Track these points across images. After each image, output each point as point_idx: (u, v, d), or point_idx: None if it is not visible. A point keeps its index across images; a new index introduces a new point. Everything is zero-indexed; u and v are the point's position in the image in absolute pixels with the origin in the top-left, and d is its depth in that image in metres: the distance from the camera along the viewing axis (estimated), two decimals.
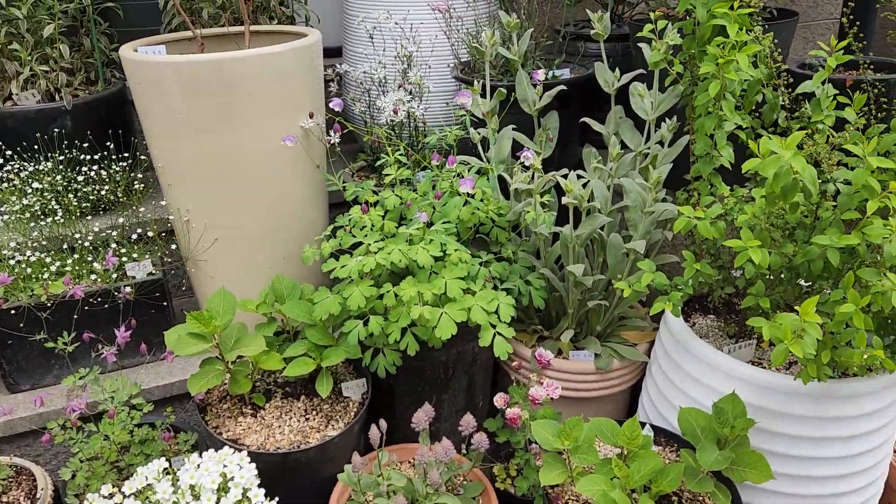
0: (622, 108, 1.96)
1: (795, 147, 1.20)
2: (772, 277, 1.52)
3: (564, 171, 1.98)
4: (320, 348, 1.72)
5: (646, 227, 1.78)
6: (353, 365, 1.90)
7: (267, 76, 1.75)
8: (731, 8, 1.45)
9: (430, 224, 1.79)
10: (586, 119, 1.97)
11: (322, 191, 2.02)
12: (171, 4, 2.07)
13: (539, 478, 1.50)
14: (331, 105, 1.78)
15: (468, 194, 1.82)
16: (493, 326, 1.68)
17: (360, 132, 1.96)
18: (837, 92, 1.56)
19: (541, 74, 1.79)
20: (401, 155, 1.82)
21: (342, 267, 1.69)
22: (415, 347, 1.66)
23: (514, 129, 1.98)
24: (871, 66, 1.81)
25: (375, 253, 1.67)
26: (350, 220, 1.79)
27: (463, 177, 1.73)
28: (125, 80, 2.33)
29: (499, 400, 1.74)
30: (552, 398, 1.69)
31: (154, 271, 1.89)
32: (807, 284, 1.50)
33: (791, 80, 1.64)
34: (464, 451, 1.68)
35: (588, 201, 1.80)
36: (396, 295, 1.64)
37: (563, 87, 1.94)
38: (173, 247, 1.99)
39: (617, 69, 1.90)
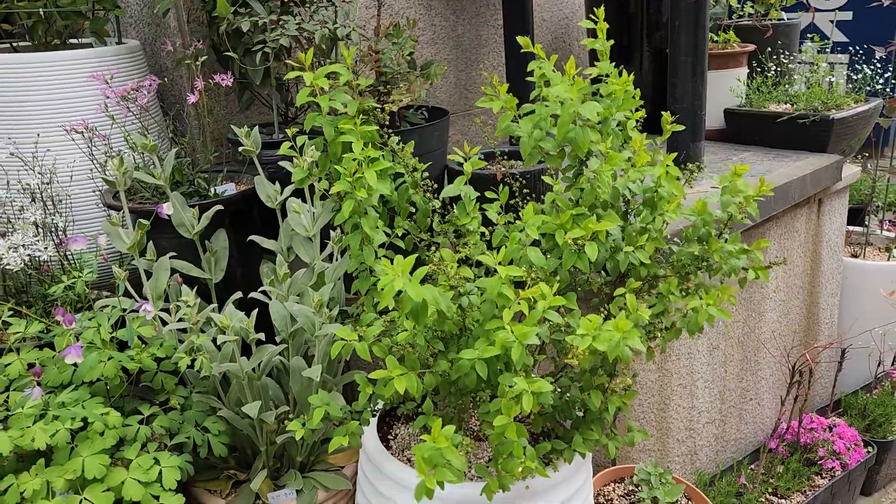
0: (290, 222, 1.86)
1: (413, 269, 1.16)
2: (439, 391, 1.47)
3: (237, 295, 1.83)
4: None
5: (323, 350, 1.66)
6: None
7: None
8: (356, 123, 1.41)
9: (68, 385, 1.51)
10: (254, 237, 1.84)
11: None
12: None
13: None
14: None
15: (119, 343, 1.57)
16: (157, 498, 1.44)
17: None
18: (478, 194, 1.58)
19: (167, 207, 1.63)
20: (10, 316, 1.53)
21: None
22: None
23: (175, 256, 1.78)
24: (507, 156, 1.89)
25: None
26: None
27: (102, 328, 1.48)
28: None
29: None
30: None
31: None
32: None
33: (446, 180, 1.64)
34: None
35: (265, 327, 1.65)
36: (20, 489, 1.34)
37: (220, 206, 1.79)
38: None
39: (277, 182, 1.80)
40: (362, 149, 1.37)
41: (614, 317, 1.46)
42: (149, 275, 1.74)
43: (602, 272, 1.62)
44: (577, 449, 1.55)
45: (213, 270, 1.86)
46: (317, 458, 1.89)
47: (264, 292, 1.79)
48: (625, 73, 1.43)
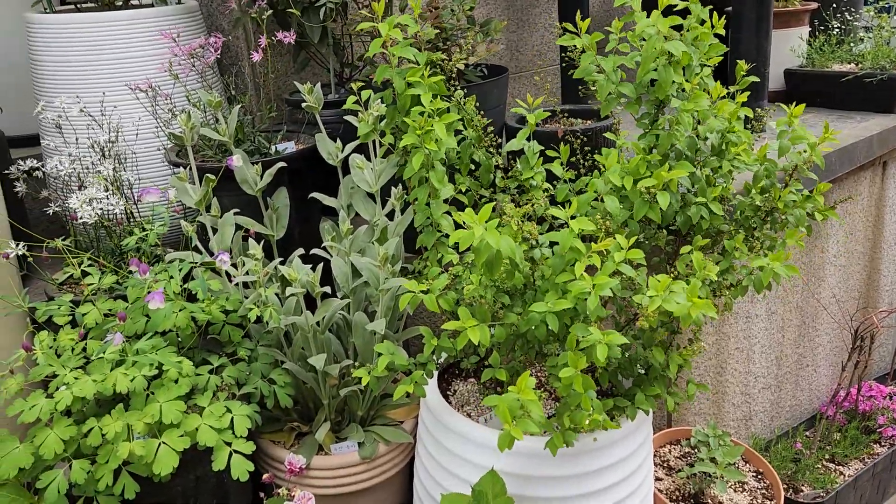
0: (353, 178, 1.87)
1: (487, 220, 1.16)
2: (507, 345, 1.47)
3: (299, 251, 1.85)
4: None
5: (386, 304, 1.68)
6: None
7: None
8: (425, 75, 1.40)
9: (142, 335, 1.55)
10: (315, 194, 1.85)
11: (3, 315, 1.69)
12: None
13: None
14: None
15: (188, 295, 1.61)
16: (229, 444, 1.48)
17: (35, 244, 1.67)
18: (542, 148, 1.57)
19: (237, 160, 1.64)
20: (89, 266, 1.57)
21: (31, 407, 1.40)
22: (133, 489, 1.41)
23: (238, 212, 1.81)
24: (568, 115, 1.87)
25: (74, 384, 1.40)
26: (41, 345, 1.50)
27: (175, 280, 1.52)
28: None
29: None
30: None
31: None
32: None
33: (504, 138, 1.63)
34: None
35: (327, 282, 1.67)
36: (102, 432, 1.39)
37: (283, 163, 1.81)
38: None
39: (339, 140, 1.81)
40: (431, 101, 1.36)
41: (682, 276, 1.45)
42: (214, 230, 1.77)
43: (663, 230, 1.61)
44: (639, 405, 1.55)
45: (275, 227, 1.88)
46: (377, 412, 1.91)
47: (325, 249, 1.82)
48: (715, 15, 1.39)
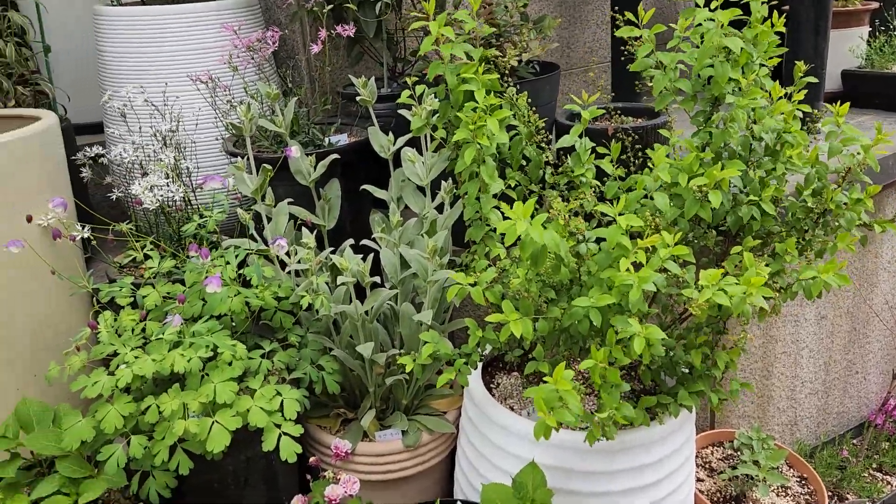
0: (404, 171, 1.90)
1: (533, 214, 1.17)
2: (551, 338, 1.49)
3: (350, 242, 1.89)
4: (76, 482, 1.48)
5: (433, 295, 1.71)
6: (127, 488, 1.66)
7: None
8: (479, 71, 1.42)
9: (200, 319, 1.61)
10: (367, 186, 1.89)
11: (70, 294, 1.77)
12: None
13: None
14: (51, 205, 1.57)
15: (244, 281, 1.66)
16: (278, 426, 1.53)
17: (101, 227, 1.74)
18: (594, 145, 1.58)
19: (296, 150, 1.69)
20: (150, 250, 1.64)
21: (94, 384, 1.47)
22: (188, 465, 1.47)
23: (292, 202, 1.86)
24: (621, 112, 1.87)
25: (133, 363, 1.47)
26: (103, 325, 1.57)
27: (231, 265, 1.57)
28: None
29: (296, 503, 1.59)
30: (351, 495, 1.55)
31: None
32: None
33: (555, 134, 1.65)
34: None
35: (376, 273, 1.70)
36: (159, 409, 1.45)
37: (337, 155, 1.85)
38: None
39: (391, 133, 1.84)
40: (484, 97, 1.38)
41: (732, 275, 1.45)
42: (268, 219, 1.83)
43: (712, 230, 1.60)
44: (682, 402, 1.55)
45: (327, 217, 1.93)
46: (421, 402, 1.95)
47: (374, 240, 1.85)
48: (775, 13, 1.39)
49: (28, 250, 1.55)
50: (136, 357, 1.48)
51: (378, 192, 1.89)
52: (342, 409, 1.91)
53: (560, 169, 1.61)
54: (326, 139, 1.99)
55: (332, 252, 1.89)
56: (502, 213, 1.45)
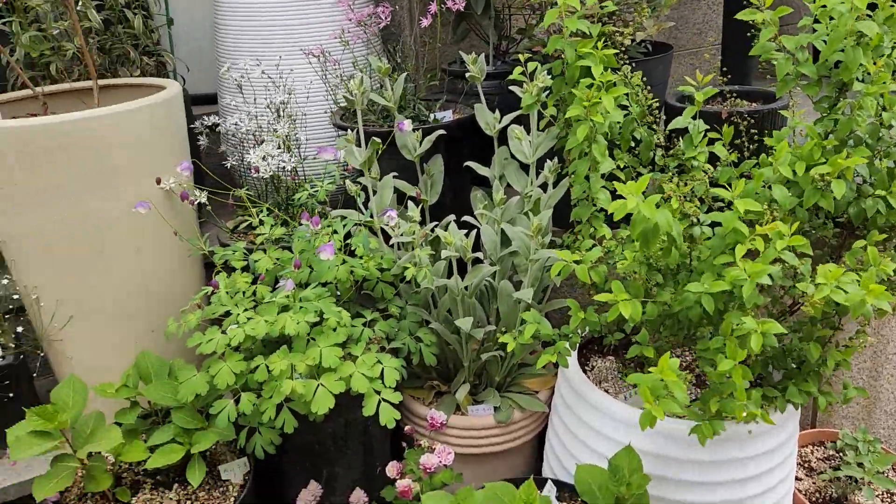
0: (507, 150, 1.90)
1: (643, 192, 1.15)
2: (656, 323, 1.46)
3: (452, 217, 1.91)
4: (189, 432, 1.56)
5: (534, 274, 1.71)
6: (234, 442, 1.75)
7: (115, 136, 1.60)
8: (597, 47, 1.40)
9: (306, 285, 1.66)
10: (470, 163, 1.90)
11: (188, 255, 1.87)
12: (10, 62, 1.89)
13: None
14: (179, 169, 1.65)
15: (349, 251, 1.71)
16: (378, 393, 1.57)
17: (219, 193, 1.82)
18: (707, 128, 1.53)
19: (408, 125, 1.71)
20: (266, 216, 1.70)
21: (209, 341, 1.55)
22: (292, 424, 1.53)
23: (396, 176, 1.89)
24: (736, 95, 1.80)
25: (245, 323, 1.54)
26: (224, 286, 1.65)
27: (339, 235, 1.62)
28: None
29: (391, 469, 1.63)
30: (445, 465, 1.58)
31: (2, 356, 1.70)
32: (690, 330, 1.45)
33: (664, 116, 1.61)
34: None
35: (474, 250, 1.72)
36: (268, 369, 1.51)
37: (443, 131, 1.86)
38: (20, 329, 1.80)
39: (497, 111, 1.84)
40: (601, 73, 1.36)
41: (852, 269, 1.38)
42: (373, 192, 1.86)
43: (830, 221, 1.53)
44: (791, 398, 1.50)
45: (429, 192, 1.95)
46: (513, 380, 1.96)
47: (475, 217, 1.86)
48: None
49: (153, 211, 1.64)
50: (248, 318, 1.55)
51: (481, 169, 1.90)
52: (436, 381, 1.94)
53: (671, 151, 1.58)
54: (431, 115, 2.00)
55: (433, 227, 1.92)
56: (612, 193, 1.43)
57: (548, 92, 1.60)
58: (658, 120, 1.58)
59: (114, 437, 1.46)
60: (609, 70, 1.41)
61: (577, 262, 1.41)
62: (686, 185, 1.51)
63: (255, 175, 1.77)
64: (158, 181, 1.63)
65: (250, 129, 1.86)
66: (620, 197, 1.23)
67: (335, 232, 1.69)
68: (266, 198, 1.97)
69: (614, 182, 1.25)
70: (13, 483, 1.72)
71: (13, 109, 1.80)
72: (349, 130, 1.78)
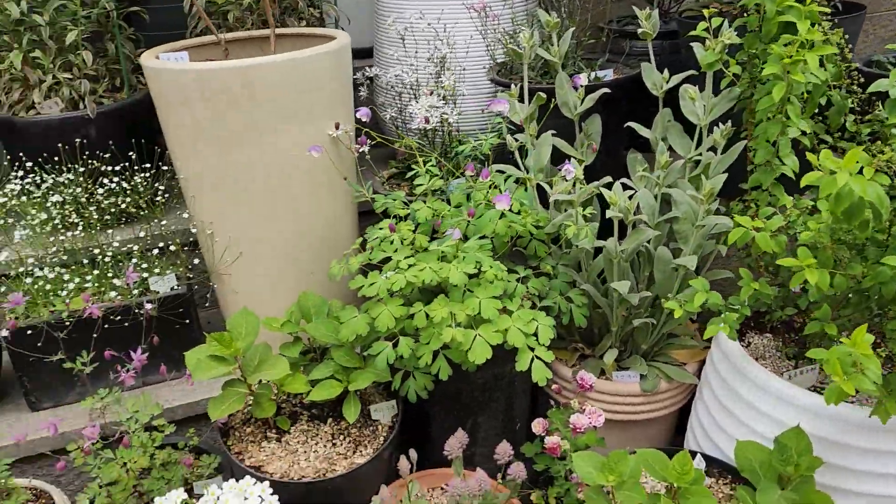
0: (670, 112, 1.83)
1: (855, 165, 1.07)
2: (838, 299, 1.38)
3: (608, 179, 1.86)
4: (347, 370, 1.62)
5: (697, 241, 1.64)
6: (382, 385, 1.80)
7: (292, 82, 1.66)
8: (800, 2, 1.31)
9: (465, 238, 1.68)
10: (632, 123, 1.84)
11: (351, 201, 1.92)
12: (196, 8, 1.99)
13: None
14: (358, 115, 1.68)
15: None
16: (532, 349, 1.57)
17: (388, 142, 1.86)
18: None
19: (583, 78, 1.67)
20: (432, 165, 1.71)
21: (370, 284, 1.59)
22: (447, 371, 1.56)
23: (553, 134, 1.86)
24: None
25: (406, 270, 1.57)
26: (380, 233, 1.69)
27: (499, 189, 1.61)
28: None
29: (537, 426, 1.63)
30: (595, 426, 1.57)
31: (178, 286, 1.82)
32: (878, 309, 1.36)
33: (861, 79, 1.49)
34: (499, 479, 1.58)
35: (634, 213, 1.67)
36: (427, 315, 1.54)
37: (607, 89, 1.81)
38: (197, 261, 1.92)
39: (665, 70, 1.77)
40: (808, 29, 1.27)
41: None
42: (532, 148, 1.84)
43: None
44: None
45: (586, 152, 1.91)
46: (660, 349, 1.91)
47: (630, 180, 1.81)
48: None
49: (323, 156, 1.69)
50: (408, 265, 1.58)
51: (643, 131, 1.84)
52: (579, 343, 1.92)
53: (867, 117, 1.46)
54: (592, 74, 1.95)
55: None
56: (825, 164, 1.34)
57: (728, 51, 1.52)
58: (860, 81, 1.47)
59: (282, 368, 1.53)
60: (814, 26, 1.31)
61: (756, 230, 1.34)
62: (883, 153, 1.40)
63: (417, 127, 1.79)
64: (337, 126, 1.67)
65: (412, 82, 1.87)
66: (819, 168, 1.15)
67: (495, 186, 1.68)
68: (423, 150, 1.99)
69: (821, 143, 1.18)
70: (181, 403, 1.85)
71: (195, 54, 1.89)
72: (512, 86, 1.76)
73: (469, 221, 1.69)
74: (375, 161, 2.06)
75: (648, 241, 1.78)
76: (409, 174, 1.75)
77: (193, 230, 1.84)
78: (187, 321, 1.83)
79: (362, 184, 1.80)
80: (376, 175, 2.00)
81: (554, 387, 1.75)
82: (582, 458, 1.44)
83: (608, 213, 1.57)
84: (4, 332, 1.62)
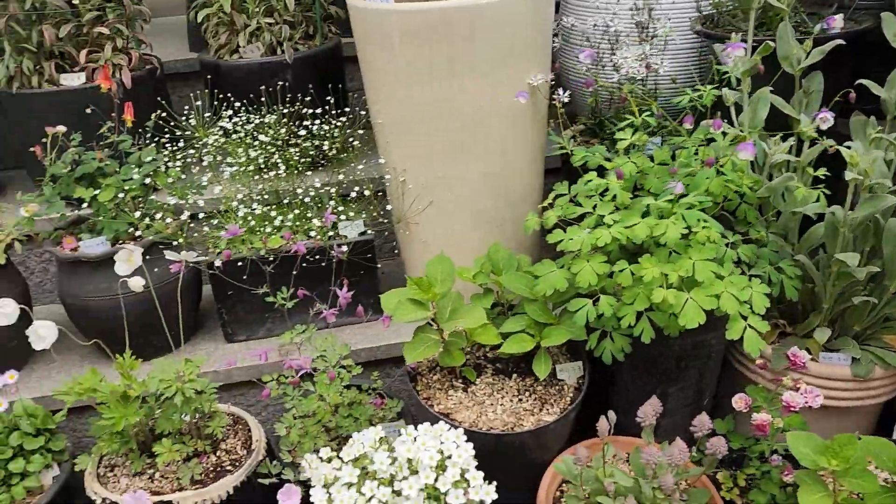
0: None
1: None
2: None
3: (831, 141, 1.70)
4: (540, 326, 1.58)
5: None
6: (566, 345, 1.74)
7: (497, 25, 1.61)
8: None
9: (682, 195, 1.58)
10: (863, 80, 1.66)
11: (540, 155, 1.86)
12: None
13: (798, 499, 1.29)
14: (581, 57, 1.61)
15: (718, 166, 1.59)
16: (744, 318, 1.46)
17: (583, 93, 1.77)
18: None
19: (839, 20, 1.51)
20: (649, 116, 1.62)
21: (571, 239, 1.53)
22: (650, 334, 1.48)
23: (771, 90, 1.71)
24: None
25: (611, 226, 1.49)
26: (586, 184, 1.61)
27: (712, 149, 1.50)
28: (341, 35, 2.30)
29: (739, 402, 1.52)
30: (810, 406, 1.44)
31: (366, 231, 1.83)
32: None
33: None
34: (692, 453, 1.49)
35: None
36: (633, 274, 1.46)
37: (841, 41, 1.64)
38: (388, 207, 1.92)
39: None
40: None
41: None
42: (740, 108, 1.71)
43: None
44: None
45: (804, 111, 1.75)
46: (873, 333, 1.74)
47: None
48: None
49: (519, 107, 1.64)
50: (615, 221, 1.50)
51: (875, 89, 1.66)
52: (780, 320, 1.78)
53: None
54: (816, 26, 1.77)
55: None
56: None
57: None
58: None
59: (478, 316, 1.51)
60: None
61: None
62: None
63: (617, 80, 1.70)
64: (555, 66, 1.61)
65: (618, 31, 1.77)
66: None
67: (712, 140, 1.56)
68: (610, 105, 1.89)
69: None
70: (364, 347, 1.88)
71: None
72: (731, 36, 1.63)
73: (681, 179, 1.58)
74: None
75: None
76: (621, 124, 1.65)
77: (385, 177, 1.84)
78: (373, 266, 1.84)
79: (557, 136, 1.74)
80: (563, 132, 1.92)
81: (759, 361, 1.62)
82: (799, 438, 1.33)
83: (847, 175, 1.42)
84: (218, 262, 1.69)
